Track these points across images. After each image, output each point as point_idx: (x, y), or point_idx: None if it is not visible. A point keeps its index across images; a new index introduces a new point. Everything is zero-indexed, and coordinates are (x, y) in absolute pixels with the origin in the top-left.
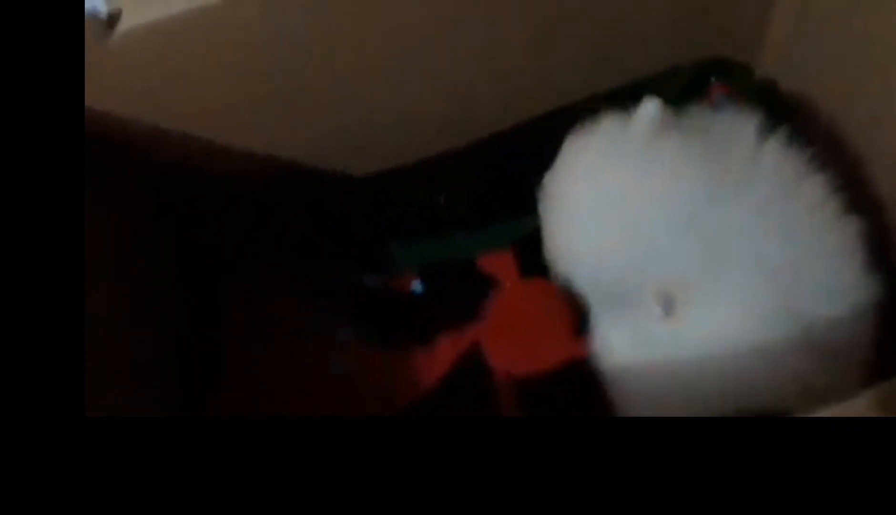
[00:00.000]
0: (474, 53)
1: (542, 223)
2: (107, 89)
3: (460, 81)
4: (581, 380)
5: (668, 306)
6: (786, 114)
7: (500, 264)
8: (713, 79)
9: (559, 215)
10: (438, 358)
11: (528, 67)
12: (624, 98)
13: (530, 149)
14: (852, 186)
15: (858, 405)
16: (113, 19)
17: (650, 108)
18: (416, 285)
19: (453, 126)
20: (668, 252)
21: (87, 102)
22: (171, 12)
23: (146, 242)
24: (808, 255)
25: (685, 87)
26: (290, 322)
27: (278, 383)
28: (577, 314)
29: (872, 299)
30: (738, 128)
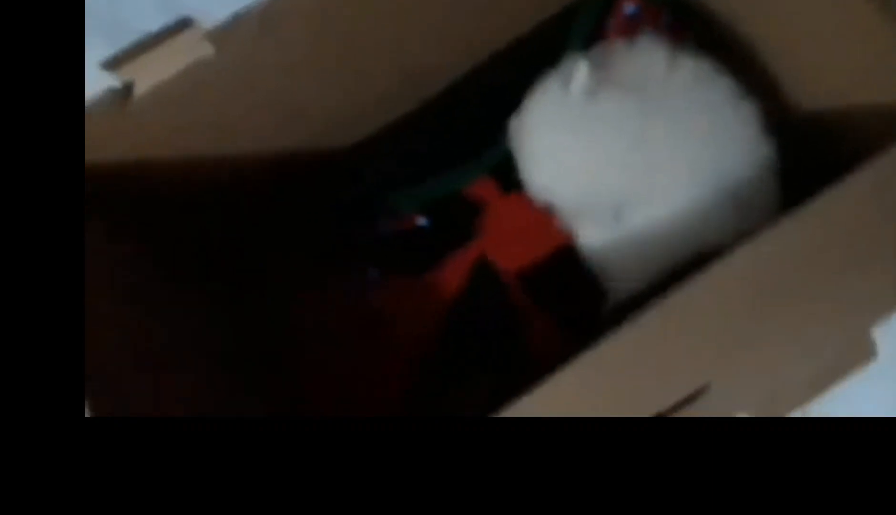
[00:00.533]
0: (423, 33)
1: (511, 153)
2: (130, 148)
3: (413, 59)
4: (570, 260)
5: (618, 215)
6: (690, 16)
7: (483, 189)
8: None
9: (530, 161)
10: (454, 273)
11: (462, 24)
12: (549, 33)
13: (485, 91)
14: (749, 74)
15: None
16: (128, 89)
17: (582, 69)
18: (422, 221)
19: (414, 87)
20: (616, 176)
21: (114, 162)
22: (172, 72)
23: (184, 259)
24: (723, 138)
25: (600, 6)
26: (326, 281)
27: (329, 327)
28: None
29: (773, 159)
30: (650, 53)
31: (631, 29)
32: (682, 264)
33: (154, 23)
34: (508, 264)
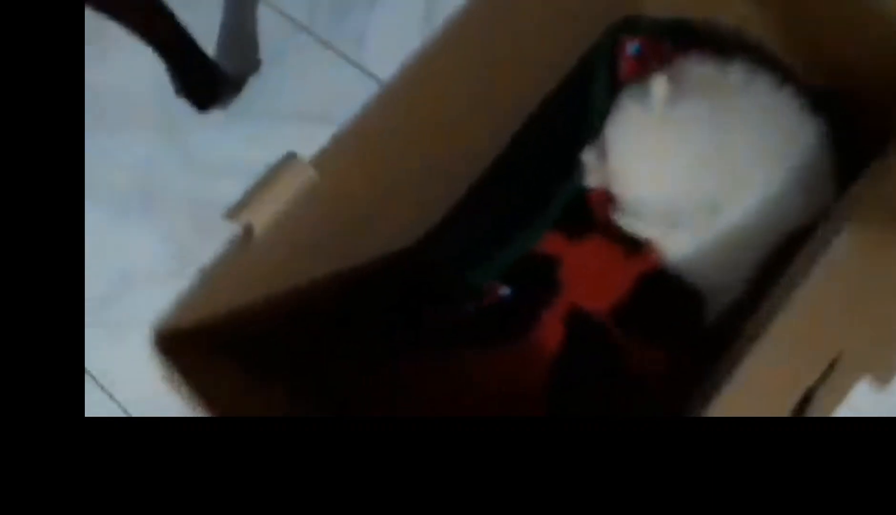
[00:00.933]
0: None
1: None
2: (254, 283)
3: (461, 153)
4: (657, 283)
5: (716, 209)
6: (697, 36)
7: (552, 244)
8: (621, 35)
9: (621, 178)
10: (550, 330)
11: (503, 104)
12: (577, 82)
13: (527, 156)
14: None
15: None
16: (249, 232)
17: (661, 83)
18: (504, 291)
19: (463, 173)
20: (702, 177)
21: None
22: (283, 205)
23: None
24: (782, 125)
25: (608, 56)
26: (431, 369)
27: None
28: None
29: (824, 135)
30: (701, 67)
31: (640, 66)
32: (770, 252)
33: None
34: (599, 305)
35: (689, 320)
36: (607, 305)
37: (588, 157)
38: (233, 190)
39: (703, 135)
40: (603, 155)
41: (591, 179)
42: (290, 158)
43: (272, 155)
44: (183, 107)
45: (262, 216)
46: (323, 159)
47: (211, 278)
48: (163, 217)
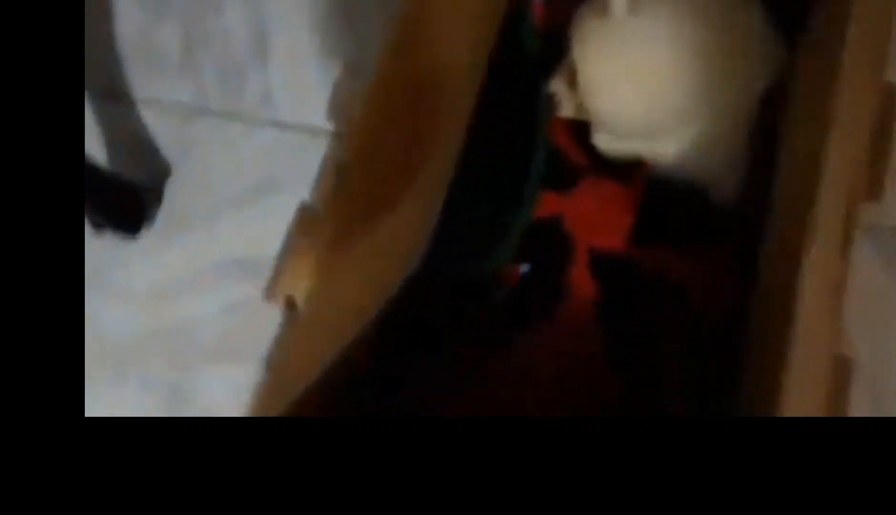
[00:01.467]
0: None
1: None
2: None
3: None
4: (653, 197)
5: (693, 109)
6: None
7: (547, 204)
8: None
9: (596, 93)
10: (581, 285)
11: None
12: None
13: (490, 135)
14: None
15: None
16: (292, 304)
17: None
18: (523, 268)
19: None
20: (677, 77)
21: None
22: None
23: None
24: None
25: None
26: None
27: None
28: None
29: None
30: None
31: (550, 9)
32: (752, 122)
33: None
34: (614, 241)
35: (699, 217)
36: (621, 237)
37: (557, 86)
38: (192, 306)
39: (667, 38)
40: (572, 80)
41: (565, 109)
42: (304, 210)
43: (217, 253)
44: (94, 248)
45: (299, 285)
46: (326, 200)
47: (275, 367)
48: (134, 369)
